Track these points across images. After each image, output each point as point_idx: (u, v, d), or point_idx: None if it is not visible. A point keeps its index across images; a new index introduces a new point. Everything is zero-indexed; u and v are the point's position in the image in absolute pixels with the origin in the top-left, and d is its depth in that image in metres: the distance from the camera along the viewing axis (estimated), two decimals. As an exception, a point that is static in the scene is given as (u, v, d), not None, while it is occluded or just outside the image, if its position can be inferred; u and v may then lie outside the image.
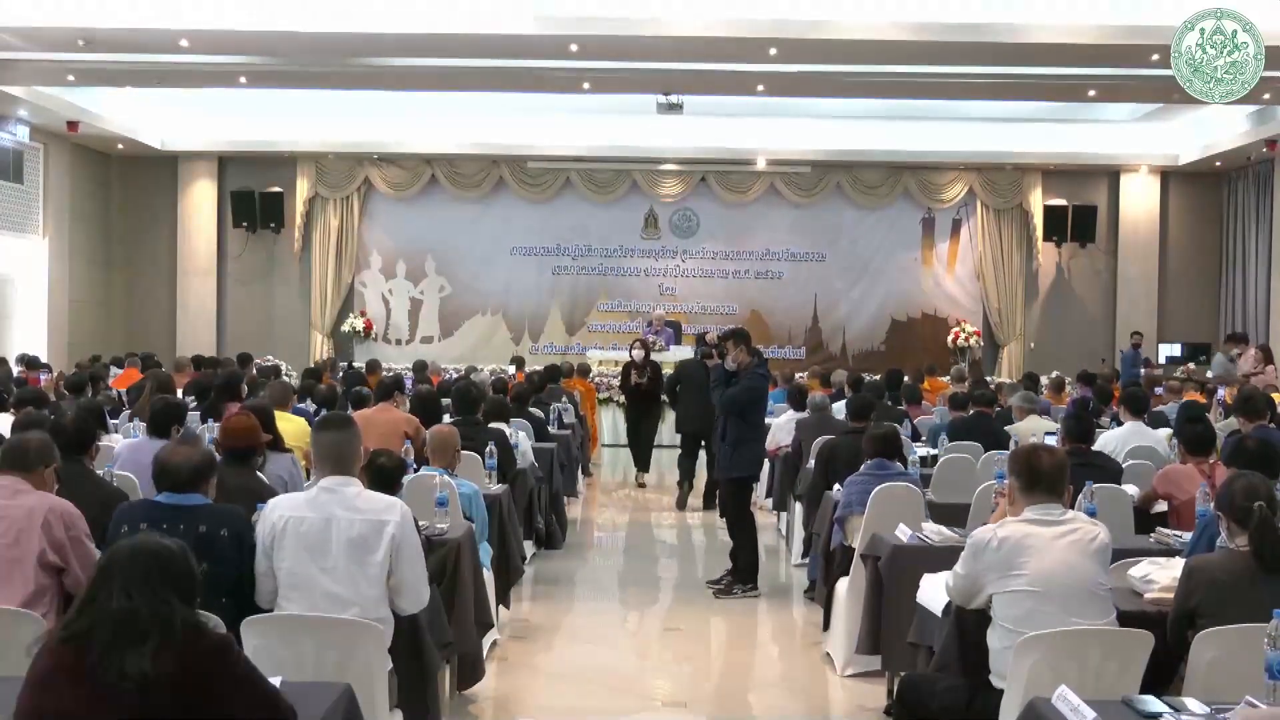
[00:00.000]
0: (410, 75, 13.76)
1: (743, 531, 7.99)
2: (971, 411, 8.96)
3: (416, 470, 6.31)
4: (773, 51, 12.19)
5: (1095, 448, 6.90)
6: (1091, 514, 4.40)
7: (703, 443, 11.31)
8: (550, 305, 18.91)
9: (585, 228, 18.87)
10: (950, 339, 18.51)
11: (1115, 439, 7.90)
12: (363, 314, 18.79)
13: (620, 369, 13.67)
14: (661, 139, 17.42)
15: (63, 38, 11.90)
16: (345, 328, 18.68)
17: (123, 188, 18.76)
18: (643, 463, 12.89)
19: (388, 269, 18.96)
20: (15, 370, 12.24)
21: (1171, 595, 3.99)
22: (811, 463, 8.02)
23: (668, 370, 13.17)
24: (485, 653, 5.78)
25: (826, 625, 6.46)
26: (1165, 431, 8.63)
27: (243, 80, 14.15)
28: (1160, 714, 3.09)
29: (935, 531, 5.53)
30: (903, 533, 5.52)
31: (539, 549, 8.82)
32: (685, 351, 14.89)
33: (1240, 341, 14.23)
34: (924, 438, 9.18)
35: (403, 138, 17.85)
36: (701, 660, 6.82)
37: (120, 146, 17.84)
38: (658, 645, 7.06)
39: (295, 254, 18.65)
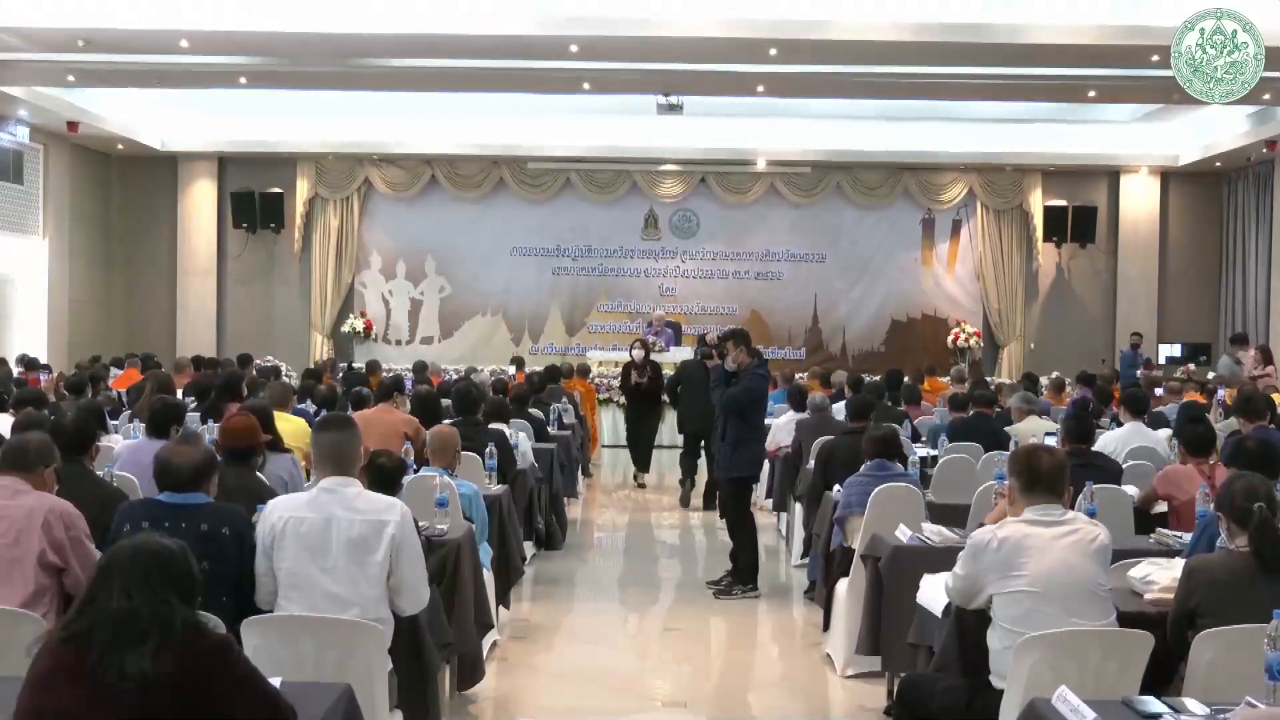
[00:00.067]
0: (410, 75, 13.75)
1: (743, 532, 7.99)
2: (971, 412, 8.96)
3: (416, 471, 6.31)
4: (773, 52, 12.19)
5: (1095, 448, 6.90)
6: (1091, 514, 4.40)
7: (703, 443, 11.32)
8: (550, 306, 18.91)
9: (585, 228, 18.87)
10: (950, 339, 18.51)
11: (1115, 439, 7.90)
12: (363, 314, 18.80)
13: (620, 369, 13.67)
14: (661, 139, 17.42)
15: (63, 38, 11.90)
16: (345, 328, 18.67)
17: (123, 188, 18.75)
18: (643, 463, 12.89)
19: (388, 269, 18.96)
20: (15, 371, 12.23)
21: (1171, 595, 3.99)
22: (811, 463, 8.02)
23: (668, 371, 13.18)
24: (485, 653, 5.78)
25: (826, 626, 6.46)
26: (1165, 432, 8.63)
27: (243, 80, 14.14)
28: (1160, 714, 3.09)
29: (935, 532, 5.53)
30: (903, 533, 5.52)
31: (539, 549, 8.82)
32: (685, 352, 14.90)
33: (1239, 341, 14.22)
34: (924, 438, 9.18)
35: (403, 138, 17.84)
36: (701, 660, 6.82)
37: (120, 147, 17.84)
38: (658, 645, 7.06)
39: (295, 254, 18.65)
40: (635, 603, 8.08)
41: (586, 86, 14.25)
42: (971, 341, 18.42)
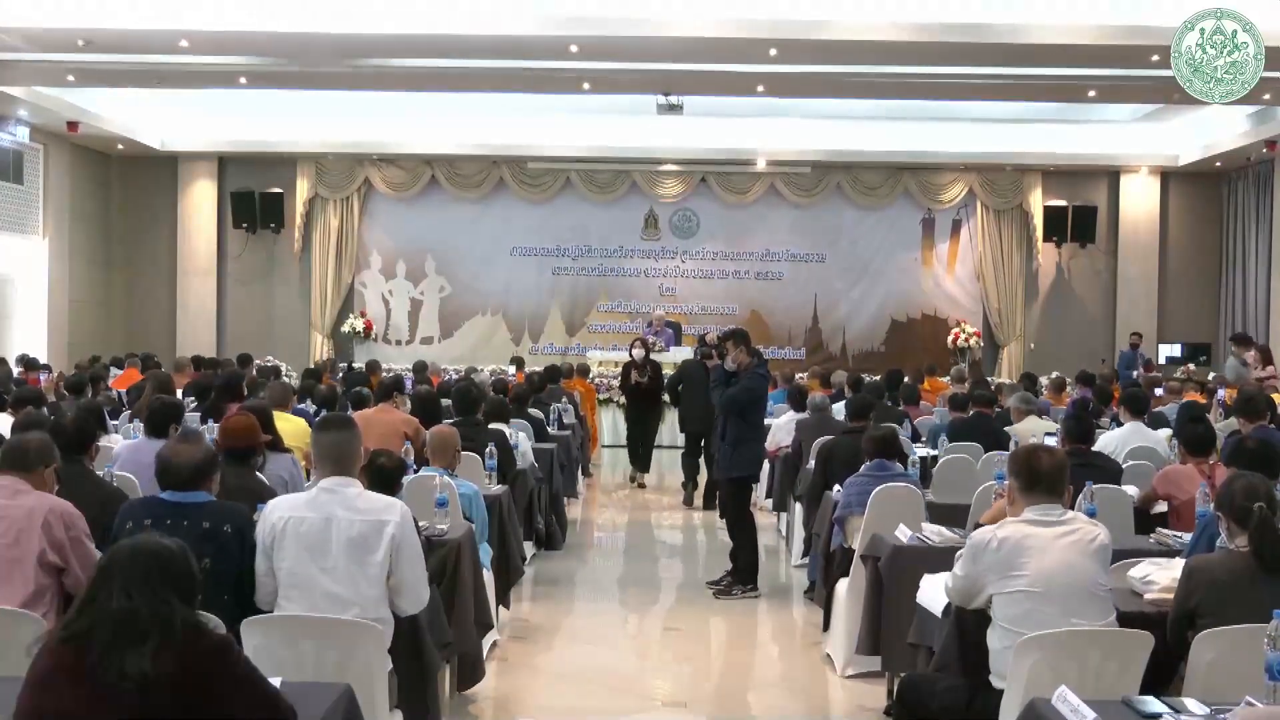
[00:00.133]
0: (410, 75, 13.76)
1: (743, 532, 7.99)
2: (971, 412, 8.96)
3: (416, 471, 6.31)
4: (773, 51, 12.19)
5: (1095, 448, 6.90)
6: (1091, 514, 4.40)
7: (703, 442, 11.32)
8: (550, 305, 18.91)
9: (585, 228, 18.87)
10: (950, 339, 18.51)
11: (1115, 439, 7.90)
12: (363, 314, 18.79)
13: (620, 369, 13.67)
14: (661, 139, 17.42)
15: (63, 38, 11.90)
16: (345, 328, 18.67)
17: (123, 188, 18.75)
18: (643, 463, 12.88)
19: (388, 269, 18.96)
20: (15, 371, 12.23)
21: (1171, 595, 3.99)
22: (811, 463, 8.02)
23: (668, 370, 13.19)
24: (485, 653, 5.78)
25: (826, 626, 6.46)
26: (1165, 432, 8.63)
27: (243, 80, 14.15)
28: (1160, 714, 3.09)
29: (935, 532, 5.53)
30: (903, 533, 5.52)
31: (539, 549, 8.82)
32: (685, 352, 14.90)
33: (1244, 342, 14.17)
34: (924, 438, 9.18)
35: (403, 138, 17.84)
36: (701, 660, 6.82)
37: (120, 146, 17.84)
38: (658, 645, 7.06)
39: (295, 254, 18.65)
40: (635, 603, 8.07)
41: (586, 86, 14.25)
42: (971, 341, 18.42)
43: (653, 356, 13.35)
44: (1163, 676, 3.78)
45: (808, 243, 18.84)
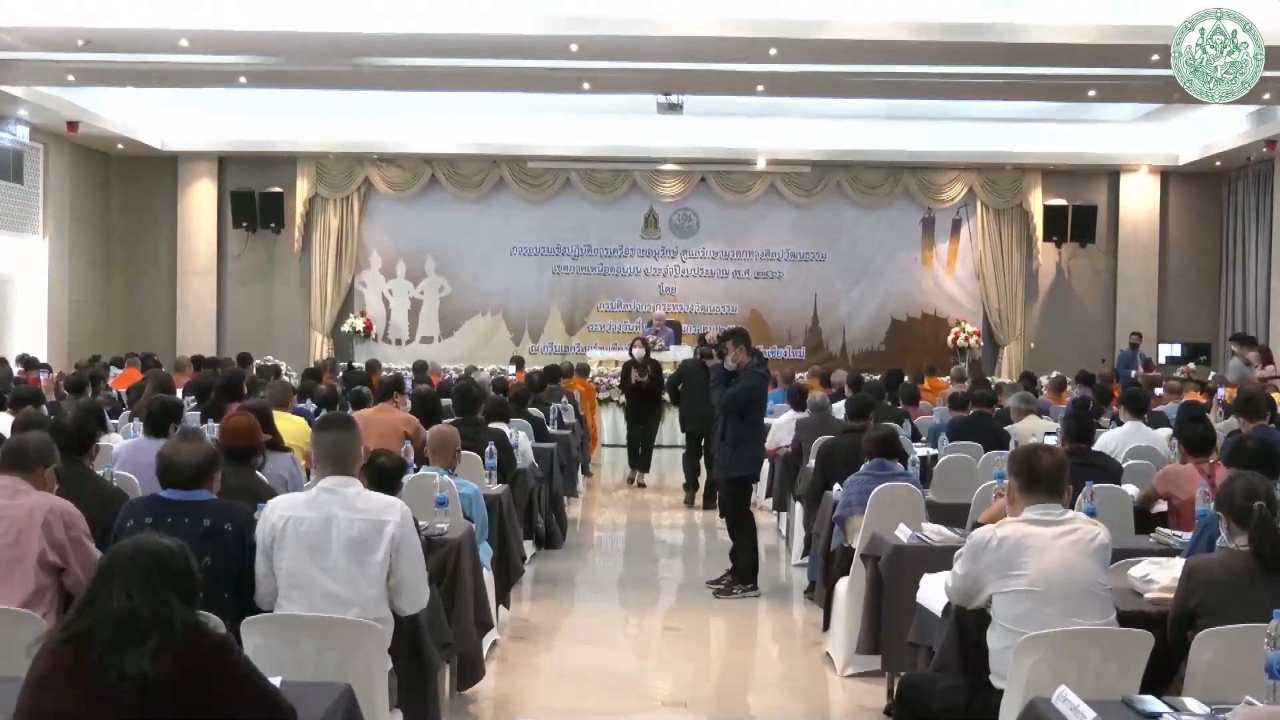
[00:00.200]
0: (410, 75, 13.75)
1: (743, 531, 7.99)
2: (971, 411, 8.96)
3: (416, 470, 6.31)
4: (773, 51, 12.19)
5: (1095, 448, 6.91)
6: (1091, 514, 4.40)
7: (703, 442, 11.32)
8: (550, 305, 18.91)
9: (585, 228, 18.87)
10: (950, 339, 18.50)
11: (1115, 439, 7.90)
12: (363, 314, 18.79)
13: (620, 368, 13.67)
14: (661, 139, 17.42)
15: (63, 38, 11.89)
16: (345, 328, 18.67)
17: (123, 188, 18.75)
18: (643, 462, 12.87)
19: (388, 269, 18.95)
20: (15, 370, 12.23)
21: (1171, 595, 3.99)
22: (811, 462, 8.02)
23: (668, 370, 13.19)
24: (485, 653, 5.78)
25: (826, 625, 6.46)
26: (1165, 431, 8.63)
27: (243, 80, 14.14)
28: (1160, 714, 3.09)
29: (935, 531, 5.53)
30: (903, 533, 5.52)
31: (539, 549, 8.82)
32: (685, 351, 14.90)
33: (1247, 343, 14.16)
34: (924, 438, 9.18)
35: (403, 138, 17.84)
36: (701, 660, 6.82)
37: (120, 146, 17.84)
38: (658, 645, 7.06)
39: (295, 254, 18.65)
40: (635, 603, 8.07)
41: (586, 86, 14.25)
42: (971, 341, 18.42)
43: (653, 356, 13.34)
44: (1163, 676, 3.78)
45: (808, 242, 18.84)
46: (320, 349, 18.30)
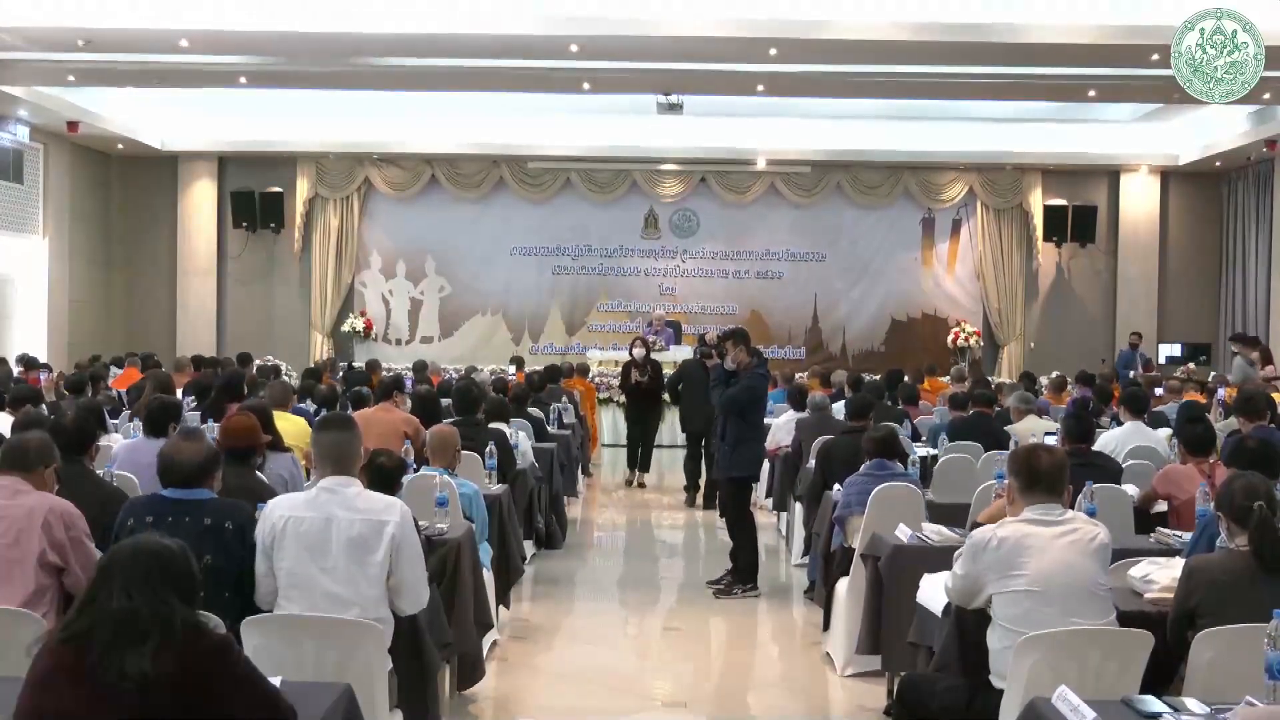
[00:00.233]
0: (410, 75, 13.75)
1: (743, 532, 7.99)
2: (971, 411, 8.96)
3: (416, 470, 6.31)
4: (773, 51, 12.19)
5: (1095, 448, 6.91)
6: (1091, 514, 4.40)
7: (703, 442, 11.32)
8: (550, 305, 18.91)
9: (585, 228, 18.87)
10: (950, 339, 18.50)
11: (1115, 439, 7.90)
12: (363, 314, 18.80)
13: (620, 368, 13.67)
14: (661, 139, 17.42)
15: (63, 38, 11.89)
16: (345, 328, 18.68)
17: (123, 188, 18.75)
18: (643, 462, 12.86)
19: (388, 269, 18.96)
20: (15, 370, 12.23)
21: (1171, 595, 3.99)
22: (812, 463, 8.02)
23: (668, 370, 13.18)
24: (485, 653, 5.78)
25: (826, 625, 6.46)
26: (1165, 431, 8.63)
27: (243, 80, 14.14)
28: (1160, 714, 3.09)
29: (935, 531, 5.53)
30: (903, 533, 5.52)
31: (539, 549, 8.82)
32: (685, 351, 14.90)
33: (1250, 343, 14.15)
34: (924, 438, 9.18)
35: (403, 138, 17.84)
36: (701, 660, 6.82)
37: (120, 146, 17.84)
38: (658, 645, 7.06)
39: (295, 254, 18.65)
40: (635, 603, 8.07)
41: (586, 86, 14.25)
42: (971, 341, 18.42)
43: (653, 356, 13.34)
44: (1163, 676, 3.78)
45: (808, 242, 18.84)
46: (320, 349, 18.30)
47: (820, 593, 6.88)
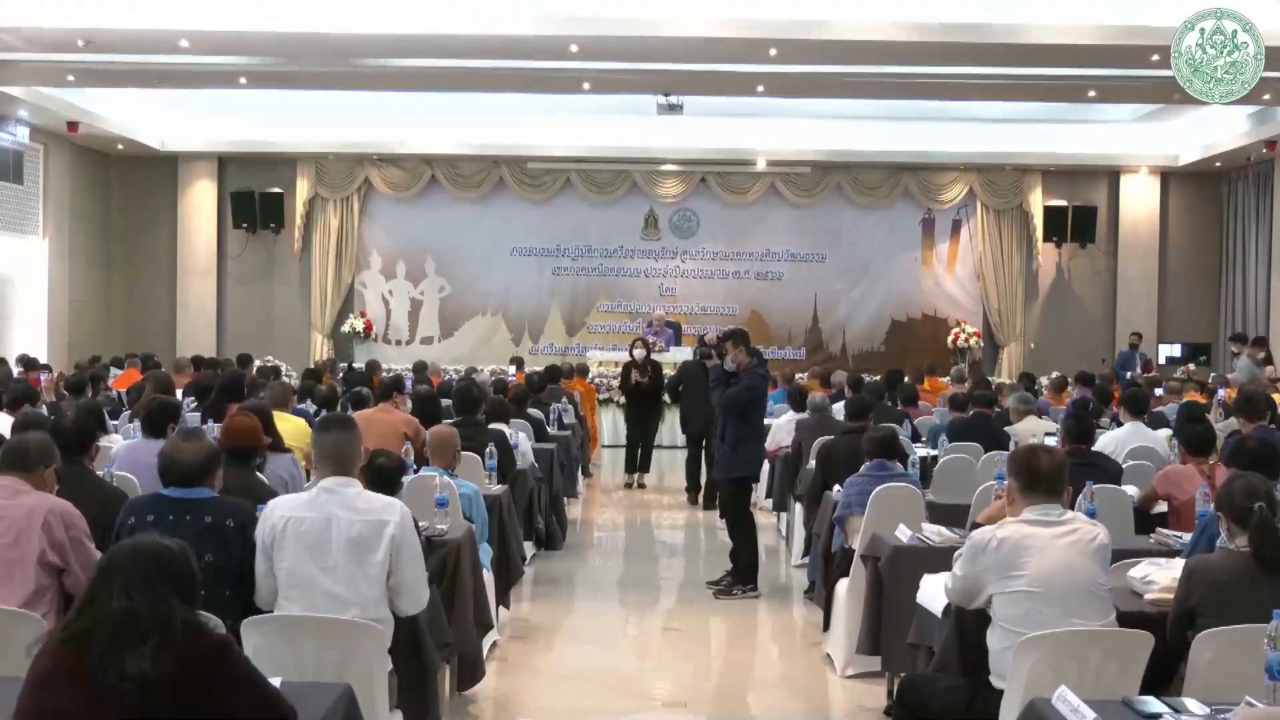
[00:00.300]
0: (410, 75, 13.75)
1: (742, 532, 7.99)
2: (971, 412, 8.96)
3: (416, 471, 6.31)
4: (773, 51, 12.19)
5: (1095, 448, 6.90)
6: (1091, 515, 4.40)
7: (704, 442, 11.32)
8: (550, 305, 18.91)
9: (585, 228, 18.86)
10: (950, 339, 18.50)
11: (1115, 439, 7.90)
12: (363, 314, 18.79)
13: (620, 369, 13.67)
14: (661, 139, 17.42)
15: (63, 38, 11.89)
16: (345, 328, 18.67)
17: (123, 188, 18.75)
18: (643, 463, 12.85)
19: (388, 269, 18.95)
20: (15, 371, 12.23)
21: (1171, 595, 3.99)
22: (812, 463, 8.02)
23: (668, 371, 13.19)
24: (485, 653, 5.78)
25: (826, 626, 6.46)
26: (1165, 432, 8.63)
27: (243, 80, 14.15)
28: (1160, 714, 3.09)
29: (935, 532, 5.53)
30: (903, 533, 5.52)
31: (539, 549, 8.82)
32: (685, 352, 14.90)
33: (1258, 344, 14.13)
34: (924, 438, 9.18)
35: (403, 138, 17.84)
36: (701, 660, 6.83)
37: (120, 146, 17.84)
38: (658, 645, 7.06)
39: (295, 254, 18.65)
40: (635, 603, 8.07)
41: (586, 86, 14.25)
42: (971, 341, 18.42)
43: (653, 357, 13.34)
44: (1163, 676, 3.78)
45: (808, 243, 18.84)
46: (320, 349, 18.30)
47: (820, 593, 6.87)
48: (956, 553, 4.09)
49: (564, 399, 12.14)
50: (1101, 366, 16.25)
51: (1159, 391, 11.72)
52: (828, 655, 6.37)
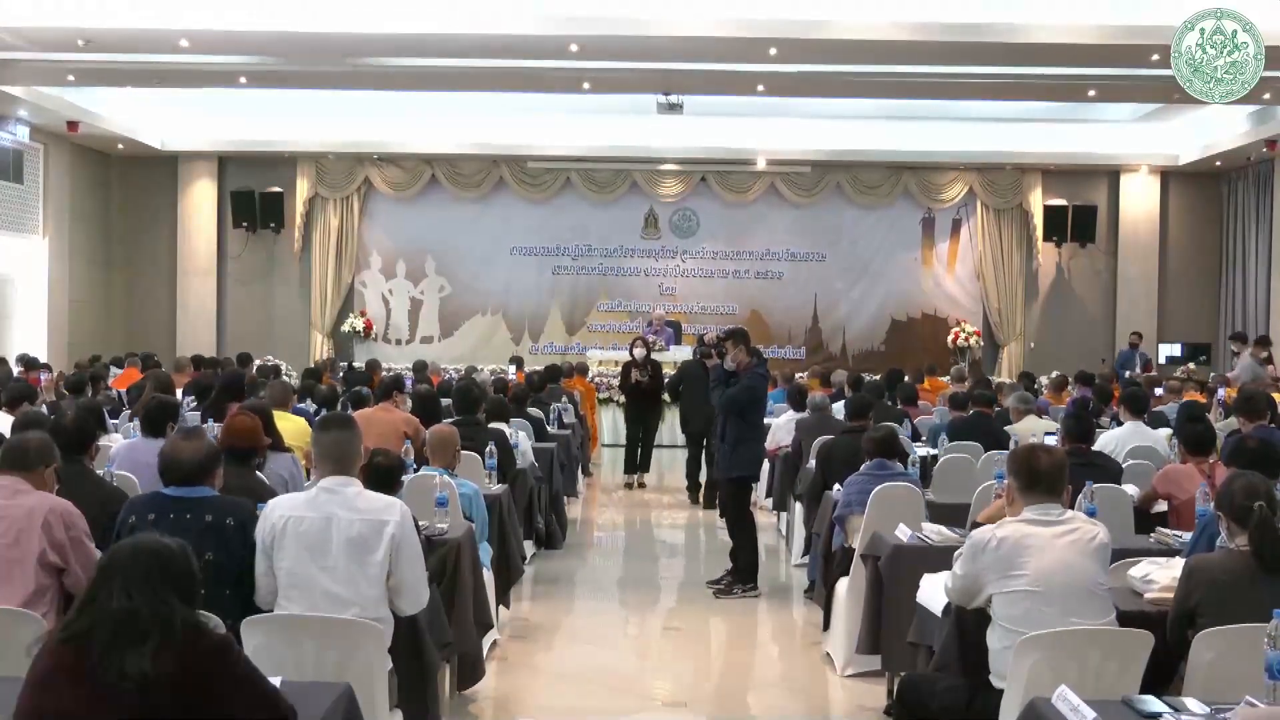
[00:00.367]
0: (410, 75, 13.75)
1: (743, 531, 7.99)
2: (971, 411, 8.96)
3: (416, 470, 6.31)
4: (773, 51, 12.19)
5: (1095, 448, 6.90)
6: (1091, 514, 4.40)
7: (704, 442, 11.32)
8: (550, 305, 18.91)
9: (585, 228, 18.86)
10: (950, 339, 18.50)
11: (1115, 439, 7.90)
12: (363, 314, 18.79)
13: (620, 368, 13.67)
14: (661, 139, 17.42)
15: (63, 38, 11.89)
16: (345, 328, 18.68)
17: (123, 188, 18.75)
18: (643, 462, 12.85)
19: (388, 269, 18.96)
20: (15, 370, 12.23)
21: (1171, 595, 3.99)
22: (811, 463, 8.02)
23: (668, 370, 13.18)
24: (485, 653, 5.78)
25: (826, 625, 6.46)
26: (1165, 431, 8.63)
27: (243, 80, 14.15)
28: (1160, 714, 3.09)
29: (935, 531, 5.53)
30: (903, 533, 5.52)
31: (539, 549, 8.82)
32: (685, 351, 14.90)
33: (1261, 343, 14.11)
34: (924, 438, 9.18)
35: (403, 138, 17.84)
36: (701, 660, 6.82)
37: (120, 146, 17.84)
38: (658, 645, 7.06)
39: (295, 254, 18.65)
40: (635, 602, 8.07)
41: (586, 86, 14.25)
42: (971, 341, 18.42)
43: (653, 356, 13.34)
44: (1163, 676, 3.78)
45: (808, 242, 18.84)
46: (320, 349, 18.30)
47: (820, 593, 6.88)
48: (956, 552, 4.09)
49: (564, 398, 12.14)
50: (1101, 366, 16.25)
51: (1159, 391, 11.72)
52: (828, 655, 6.37)
